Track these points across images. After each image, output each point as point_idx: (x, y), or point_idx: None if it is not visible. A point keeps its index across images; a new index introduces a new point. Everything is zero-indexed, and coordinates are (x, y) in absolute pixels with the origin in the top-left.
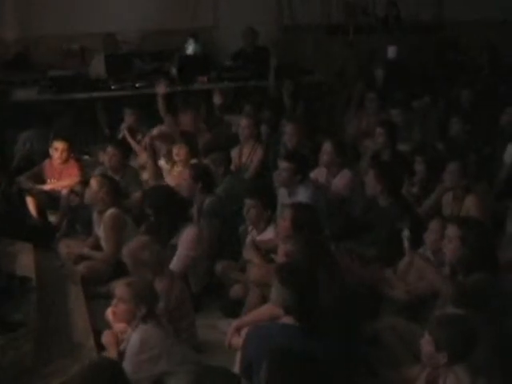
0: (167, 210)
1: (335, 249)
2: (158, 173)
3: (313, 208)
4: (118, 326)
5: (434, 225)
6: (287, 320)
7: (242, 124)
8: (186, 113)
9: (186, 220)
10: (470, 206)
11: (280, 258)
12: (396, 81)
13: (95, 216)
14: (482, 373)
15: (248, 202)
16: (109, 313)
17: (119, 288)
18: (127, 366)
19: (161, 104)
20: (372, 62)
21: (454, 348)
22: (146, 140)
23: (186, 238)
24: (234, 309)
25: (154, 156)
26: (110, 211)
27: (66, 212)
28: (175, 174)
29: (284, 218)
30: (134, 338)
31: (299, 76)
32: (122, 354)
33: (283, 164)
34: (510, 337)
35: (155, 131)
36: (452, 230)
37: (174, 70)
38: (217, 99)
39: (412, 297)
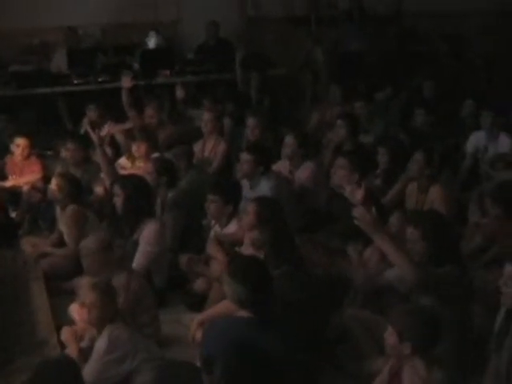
0: (137, 197)
1: (299, 240)
2: (113, 170)
3: (276, 202)
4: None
5: (394, 219)
6: (243, 314)
7: (204, 118)
8: (150, 105)
9: (150, 214)
10: (435, 196)
11: (246, 248)
12: (358, 72)
13: (58, 212)
14: (441, 364)
15: (209, 197)
16: (72, 309)
17: (87, 294)
18: (94, 366)
19: (125, 98)
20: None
21: (416, 339)
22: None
23: (147, 233)
24: (198, 303)
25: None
26: (71, 207)
27: (27, 209)
28: (136, 170)
29: (248, 213)
30: (102, 339)
31: (265, 68)
32: (83, 352)
33: (244, 156)
34: (473, 328)
35: (105, 130)
36: (411, 233)
37: (136, 64)
38: (179, 93)
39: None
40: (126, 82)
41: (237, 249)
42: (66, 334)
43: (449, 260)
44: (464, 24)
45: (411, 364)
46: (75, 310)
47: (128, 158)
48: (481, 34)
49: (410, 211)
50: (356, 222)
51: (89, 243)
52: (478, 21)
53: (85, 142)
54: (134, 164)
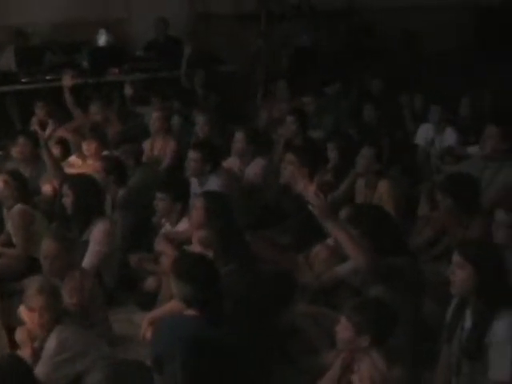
0: (86, 197)
1: (250, 237)
2: (60, 170)
3: (225, 196)
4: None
5: (343, 214)
6: (190, 312)
7: (153, 116)
8: (94, 103)
9: (100, 214)
10: (383, 191)
11: (194, 246)
12: (308, 68)
13: (5, 213)
14: (398, 355)
15: (157, 195)
16: (22, 311)
17: (35, 298)
18: (44, 367)
19: (68, 97)
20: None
21: (375, 330)
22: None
23: (97, 233)
24: (149, 302)
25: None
26: (17, 207)
27: None
28: (86, 168)
29: (196, 208)
30: (51, 340)
31: (212, 65)
32: (36, 352)
33: (192, 154)
34: (425, 319)
35: (49, 131)
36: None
37: (85, 62)
38: (128, 91)
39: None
40: (67, 80)
41: (186, 247)
42: (20, 334)
43: (393, 253)
44: (418, 19)
45: (369, 357)
46: (24, 314)
47: (78, 157)
48: (435, 30)
49: (352, 209)
50: (311, 207)
51: (50, 244)
52: (431, 16)
53: (35, 141)
54: (85, 162)
